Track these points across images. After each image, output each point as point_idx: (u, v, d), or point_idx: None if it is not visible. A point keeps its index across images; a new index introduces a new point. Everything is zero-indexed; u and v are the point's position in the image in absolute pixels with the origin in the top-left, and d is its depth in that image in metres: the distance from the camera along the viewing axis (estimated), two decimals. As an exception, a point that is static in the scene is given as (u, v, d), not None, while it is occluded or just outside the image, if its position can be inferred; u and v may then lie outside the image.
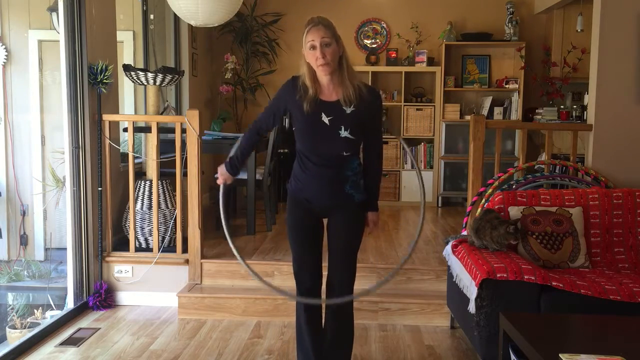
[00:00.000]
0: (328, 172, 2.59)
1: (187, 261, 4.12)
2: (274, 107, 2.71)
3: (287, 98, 2.61)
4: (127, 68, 4.29)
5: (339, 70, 2.50)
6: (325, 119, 2.52)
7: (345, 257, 2.71)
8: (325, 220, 2.75)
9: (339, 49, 2.49)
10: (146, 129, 4.38)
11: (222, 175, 2.84)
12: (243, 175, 5.02)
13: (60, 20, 3.85)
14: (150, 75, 4.21)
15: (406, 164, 6.69)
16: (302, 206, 2.68)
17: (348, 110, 2.51)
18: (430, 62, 6.67)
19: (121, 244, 4.27)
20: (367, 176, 2.68)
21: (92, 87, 3.96)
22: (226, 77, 6.52)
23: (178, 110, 5.93)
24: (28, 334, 3.54)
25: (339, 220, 2.68)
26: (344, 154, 2.55)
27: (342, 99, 2.51)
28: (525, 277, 2.86)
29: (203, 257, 4.13)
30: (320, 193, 2.62)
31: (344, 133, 2.51)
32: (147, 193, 4.23)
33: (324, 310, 2.81)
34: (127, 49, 5.53)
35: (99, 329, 3.69)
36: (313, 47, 2.44)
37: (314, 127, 2.54)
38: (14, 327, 3.89)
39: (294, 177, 2.70)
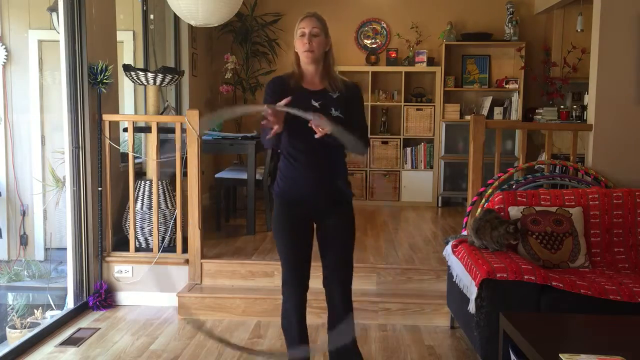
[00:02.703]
0: (320, 163, 2.59)
1: (187, 261, 4.12)
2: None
3: (276, 92, 2.56)
4: (127, 68, 4.29)
5: (324, 62, 2.64)
6: (315, 103, 2.60)
7: (344, 260, 2.72)
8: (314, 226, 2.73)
9: (326, 43, 2.64)
10: (146, 129, 4.38)
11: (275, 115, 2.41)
12: (243, 175, 5.03)
13: (60, 20, 3.85)
14: (150, 75, 4.22)
15: (406, 164, 6.70)
16: (293, 208, 2.66)
17: (334, 95, 2.62)
18: (430, 62, 6.67)
19: (121, 244, 4.27)
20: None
21: (92, 87, 3.96)
22: (226, 77, 6.52)
23: (178, 110, 5.93)
24: (28, 334, 3.55)
25: (333, 222, 2.67)
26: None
27: (327, 87, 2.63)
28: (525, 277, 2.86)
29: (203, 257, 4.13)
30: (314, 188, 2.61)
31: (335, 112, 2.58)
32: (147, 193, 4.23)
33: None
34: (127, 49, 5.53)
35: (99, 329, 3.69)
36: (302, 35, 2.59)
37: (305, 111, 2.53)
38: (14, 327, 3.90)
39: (282, 178, 2.66)
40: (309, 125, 2.37)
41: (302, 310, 2.74)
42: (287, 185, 2.65)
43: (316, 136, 2.37)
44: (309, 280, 2.73)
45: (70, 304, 3.98)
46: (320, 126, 2.36)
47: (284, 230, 2.68)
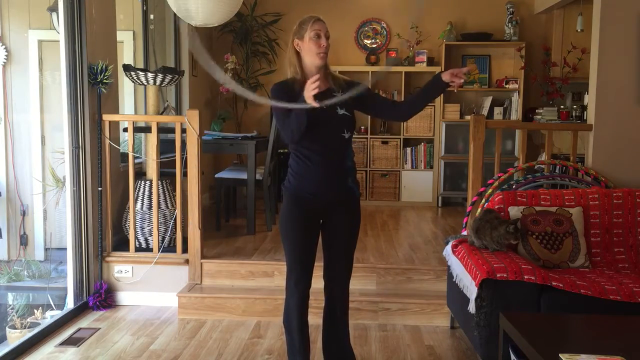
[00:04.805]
0: (332, 162, 2.67)
1: (187, 261, 4.12)
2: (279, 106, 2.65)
3: (285, 96, 2.59)
4: (127, 68, 4.29)
5: (325, 65, 2.71)
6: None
7: (347, 256, 2.81)
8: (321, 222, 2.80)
9: None
10: (146, 129, 4.38)
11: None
12: (243, 175, 5.03)
13: (60, 20, 3.85)
14: (150, 75, 4.21)
15: (406, 164, 6.70)
16: (303, 204, 2.71)
17: (339, 95, 2.66)
18: (430, 62, 6.67)
19: (121, 244, 4.27)
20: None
21: (92, 87, 3.96)
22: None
23: (178, 110, 5.93)
24: (28, 334, 3.54)
25: (341, 219, 2.76)
26: (344, 134, 2.66)
27: (331, 87, 2.69)
28: (525, 277, 2.86)
29: (203, 257, 4.13)
30: (325, 185, 2.67)
31: (341, 111, 2.66)
32: (147, 193, 4.23)
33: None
34: (127, 49, 5.53)
35: (99, 329, 3.69)
36: (318, 36, 2.62)
37: (312, 112, 2.56)
38: (14, 327, 3.89)
39: (293, 175, 2.71)
40: (452, 80, 2.82)
41: (304, 305, 2.79)
42: (298, 182, 2.70)
43: (458, 84, 2.82)
44: (312, 277, 2.77)
45: (70, 304, 3.98)
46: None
47: (292, 225, 2.72)
